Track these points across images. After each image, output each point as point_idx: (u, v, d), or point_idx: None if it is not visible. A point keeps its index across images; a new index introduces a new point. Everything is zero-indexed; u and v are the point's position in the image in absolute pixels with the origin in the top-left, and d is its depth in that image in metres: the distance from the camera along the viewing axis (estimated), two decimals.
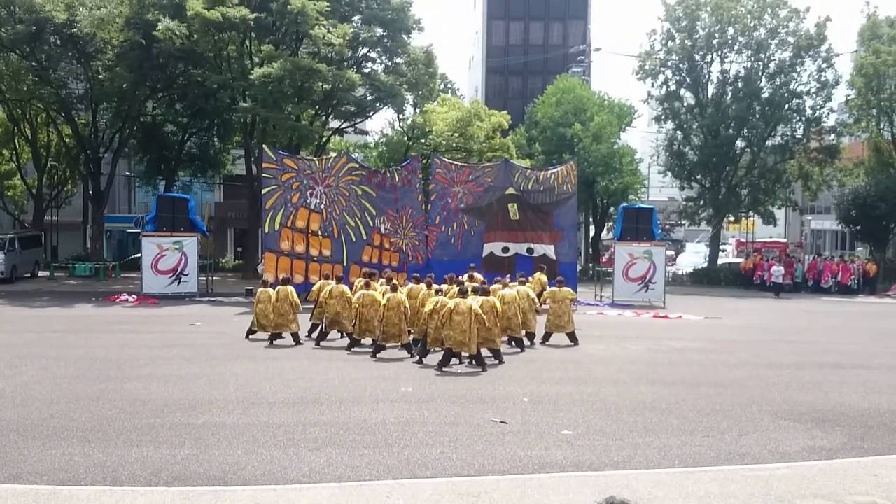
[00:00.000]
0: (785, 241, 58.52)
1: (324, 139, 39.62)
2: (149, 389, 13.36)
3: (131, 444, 10.11)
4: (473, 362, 15.74)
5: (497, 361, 16.31)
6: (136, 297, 29.32)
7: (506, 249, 29.74)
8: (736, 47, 42.09)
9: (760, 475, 9.30)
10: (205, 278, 32.29)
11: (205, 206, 46.84)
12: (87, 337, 19.87)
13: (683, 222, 58.96)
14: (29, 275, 37.30)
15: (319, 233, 28.21)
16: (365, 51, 37.20)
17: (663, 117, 44.21)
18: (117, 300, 28.92)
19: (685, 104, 43.86)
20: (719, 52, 42.37)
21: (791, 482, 9.01)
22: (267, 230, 28.01)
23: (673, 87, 43.46)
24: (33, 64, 34.98)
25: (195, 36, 32.66)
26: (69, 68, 37.10)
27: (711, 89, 43.25)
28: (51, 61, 35.59)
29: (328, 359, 16.95)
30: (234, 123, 38.51)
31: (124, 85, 35.11)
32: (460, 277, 20.49)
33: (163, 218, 30.53)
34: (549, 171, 30.70)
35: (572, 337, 19.33)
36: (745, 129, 42.23)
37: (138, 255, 33.72)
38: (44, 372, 14.84)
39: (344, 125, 41.59)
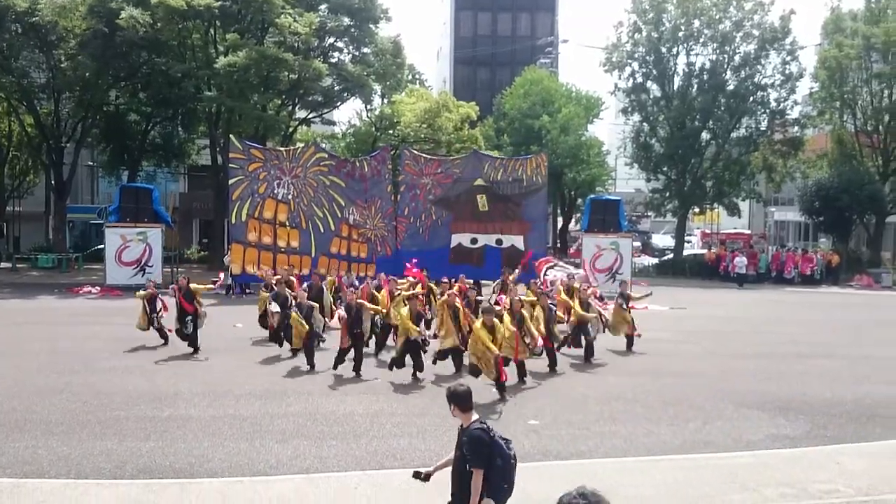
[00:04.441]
0: (749, 232, 59.18)
1: (290, 129, 39.32)
2: (113, 382, 13.21)
3: (96, 436, 10.01)
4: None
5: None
6: (99, 288, 28.97)
7: (474, 241, 29.72)
8: (701, 40, 42.39)
9: (725, 463, 9.42)
10: (169, 269, 31.93)
11: (169, 196, 46.35)
12: (51, 329, 19.59)
13: (649, 214, 59.42)
14: None
15: (287, 224, 27.95)
16: (332, 40, 36.94)
17: (630, 109, 44.43)
18: (80, 292, 28.53)
19: (651, 96, 44.13)
20: (685, 45, 42.67)
21: (755, 470, 9.14)
22: (234, 221, 27.75)
23: (639, 80, 43.69)
24: None
25: (159, 24, 32.23)
26: (31, 57, 36.39)
27: (677, 81, 43.55)
28: (12, 50, 34.89)
29: (295, 351, 16.84)
30: (199, 113, 38.06)
31: (87, 74, 34.51)
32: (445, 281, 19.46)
33: (126, 209, 30.20)
34: (518, 161, 30.77)
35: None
36: (711, 122, 42.61)
37: (101, 246, 33.26)
38: (6, 365, 14.62)
39: (311, 115, 41.28)
